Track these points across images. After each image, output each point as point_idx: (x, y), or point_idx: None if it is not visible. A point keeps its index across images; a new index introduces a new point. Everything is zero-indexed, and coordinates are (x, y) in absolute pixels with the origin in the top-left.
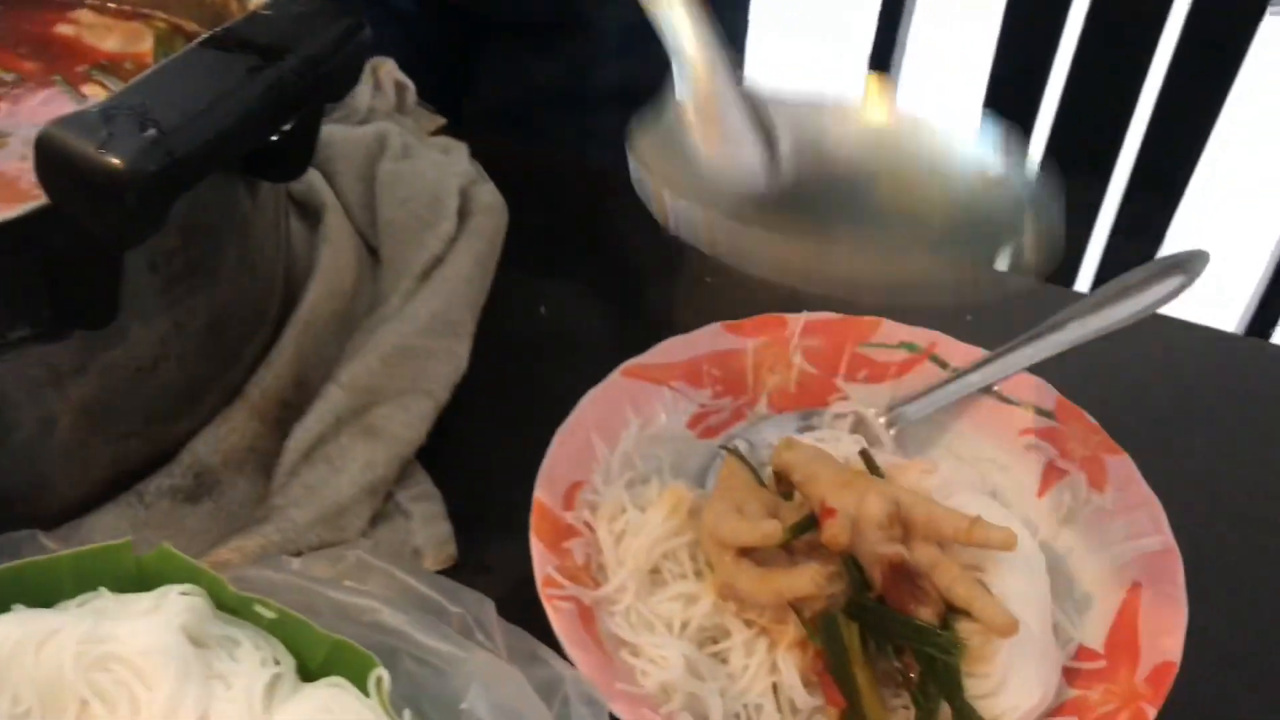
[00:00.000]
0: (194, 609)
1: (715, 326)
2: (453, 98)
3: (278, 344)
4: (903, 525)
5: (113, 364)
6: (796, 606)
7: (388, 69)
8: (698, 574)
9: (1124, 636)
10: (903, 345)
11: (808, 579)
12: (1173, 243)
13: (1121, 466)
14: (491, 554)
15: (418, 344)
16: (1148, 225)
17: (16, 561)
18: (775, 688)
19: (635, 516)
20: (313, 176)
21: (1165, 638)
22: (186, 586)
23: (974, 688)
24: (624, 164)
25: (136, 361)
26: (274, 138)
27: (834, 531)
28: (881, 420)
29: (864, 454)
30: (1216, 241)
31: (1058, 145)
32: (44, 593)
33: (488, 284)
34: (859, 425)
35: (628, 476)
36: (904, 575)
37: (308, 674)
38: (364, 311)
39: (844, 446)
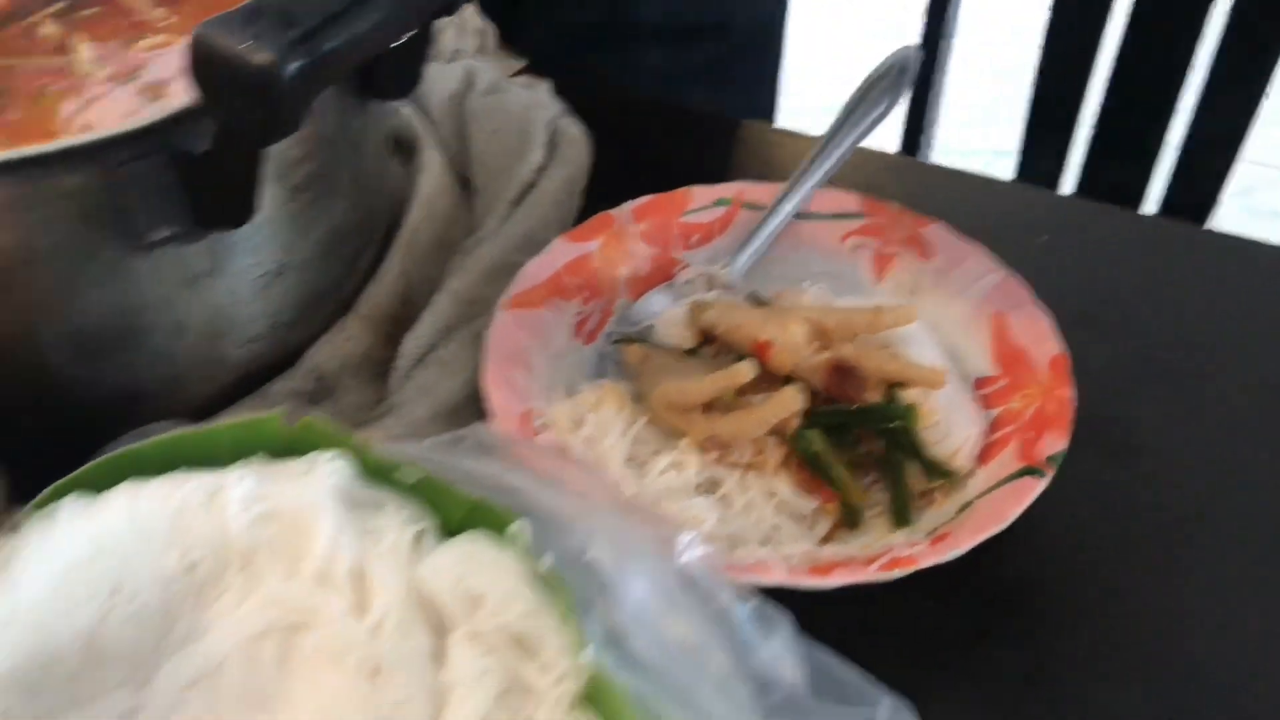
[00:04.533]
0: (343, 472)
1: (560, 240)
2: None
3: (385, 262)
4: (821, 336)
5: (241, 270)
6: (777, 432)
7: (470, 12)
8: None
9: (1009, 352)
10: (716, 203)
11: (790, 398)
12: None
13: (938, 232)
14: None
15: (513, 260)
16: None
17: (177, 431)
18: (779, 508)
19: (594, 419)
20: (408, 113)
21: (1044, 343)
22: (334, 452)
23: (927, 439)
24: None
25: (262, 267)
26: (393, 45)
27: (782, 358)
28: (727, 271)
29: (752, 296)
30: None
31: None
32: (202, 461)
33: (575, 209)
34: (712, 282)
35: (558, 393)
36: (844, 373)
37: (448, 533)
38: (460, 236)
39: None
